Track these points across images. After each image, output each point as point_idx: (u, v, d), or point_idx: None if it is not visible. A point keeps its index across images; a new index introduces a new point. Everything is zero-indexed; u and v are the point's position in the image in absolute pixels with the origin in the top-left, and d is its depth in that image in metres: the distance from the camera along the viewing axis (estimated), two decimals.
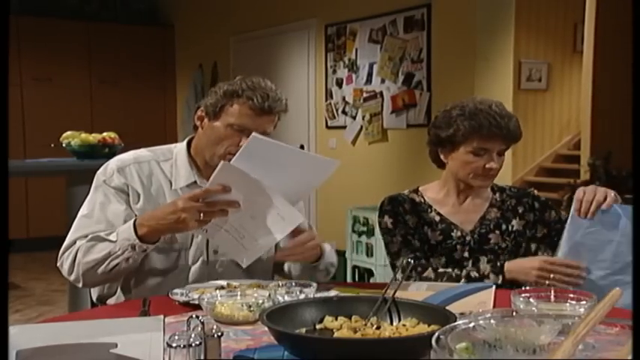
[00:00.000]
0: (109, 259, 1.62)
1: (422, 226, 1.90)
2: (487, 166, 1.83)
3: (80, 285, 1.71)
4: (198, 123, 1.78)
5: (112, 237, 1.63)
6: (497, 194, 1.98)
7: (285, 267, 1.87)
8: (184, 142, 1.84)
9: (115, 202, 1.73)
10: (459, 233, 1.89)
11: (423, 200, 1.95)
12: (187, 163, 1.79)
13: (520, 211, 1.95)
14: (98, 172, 1.79)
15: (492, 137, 1.81)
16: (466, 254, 1.88)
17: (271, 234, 1.60)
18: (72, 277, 1.69)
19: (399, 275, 1.34)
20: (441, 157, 1.90)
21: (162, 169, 1.79)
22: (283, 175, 1.57)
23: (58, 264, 1.72)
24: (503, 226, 1.92)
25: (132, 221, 1.62)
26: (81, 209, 1.76)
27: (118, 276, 1.70)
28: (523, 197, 1.98)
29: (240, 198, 1.54)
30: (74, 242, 1.69)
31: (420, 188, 1.99)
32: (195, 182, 1.78)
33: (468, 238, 1.89)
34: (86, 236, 1.67)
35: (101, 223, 1.69)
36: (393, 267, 1.92)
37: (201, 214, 1.53)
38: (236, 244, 1.63)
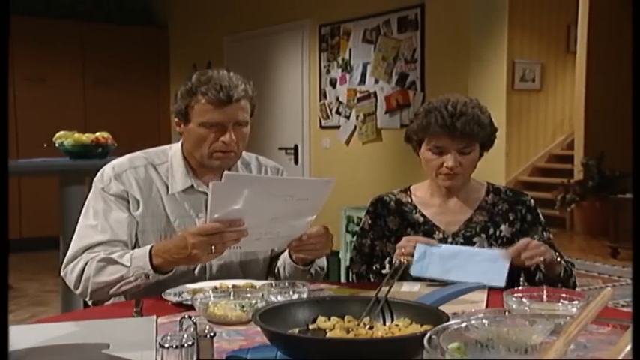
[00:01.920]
0: (120, 283, 1.62)
1: (405, 227, 1.89)
2: (444, 164, 1.80)
3: (87, 299, 1.72)
4: (178, 129, 1.78)
5: (125, 261, 1.61)
6: (491, 196, 1.92)
7: (275, 268, 1.87)
8: (179, 145, 1.82)
9: (117, 210, 1.72)
10: (440, 235, 1.86)
11: (410, 200, 1.93)
12: (183, 167, 1.78)
13: (511, 217, 1.89)
14: (95, 179, 1.78)
15: (440, 136, 1.78)
16: None
17: (302, 217, 1.61)
18: (78, 291, 1.68)
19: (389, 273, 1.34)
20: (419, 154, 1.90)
21: (159, 173, 1.78)
22: (284, 207, 1.56)
23: (62, 273, 1.71)
24: (491, 231, 1.86)
25: (147, 249, 1.61)
26: (82, 217, 1.74)
27: (125, 295, 1.69)
28: (517, 204, 1.90)
29: (248, 211, 1.53)
30: (80, 253, 1.67)
31: (411, 187, 1.97)
32: (192, 186, 1.77)
33: (450, 240, 1.84)
34: (90, 247, 1.66)
35: (106, 232, 1.68)
36: (348, 270, 1.93)
37: (213, 247, 1.52)
38: (275, 240, 1.65)
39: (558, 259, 1.77)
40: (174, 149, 1.82)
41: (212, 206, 1.51)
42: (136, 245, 1.72)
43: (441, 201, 1.91)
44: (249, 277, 1.77)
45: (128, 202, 1.73)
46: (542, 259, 1.69)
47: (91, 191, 1.77)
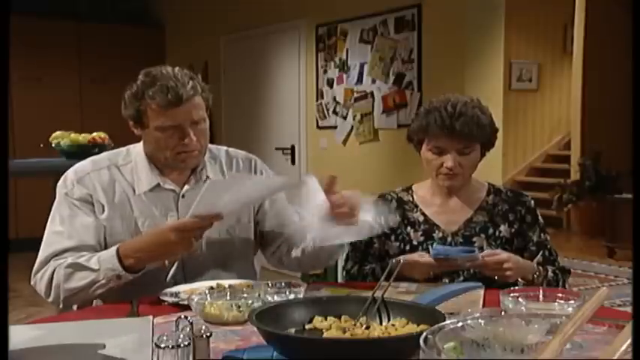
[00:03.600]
0: (92, 287, 1.59)
1: (405, 226, 1.89)
2: (444, 165, 1.80)
3: (60, 307, 1.69)
4: (136, 132, 1.74)
5: (93, 264, 1.58)
6: (491, 197, 1.92)
7: (297, 252, 1.79)
8: (141, 144, 1.77)
9: (82, 215, 1.68)
10: (440, 234, 1.86)
11: (411, 199, 1.93)
12: (147, 166, 1.74)
13: (510, 218, 1.88)
14: (58, 184, 1.73)
15: (439, 136, 1.79)
16: None
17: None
18: (50, 299, 1.64)
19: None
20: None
21: (123, 174, 1.73)
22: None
23: (32, 283, 1.67)
24: (490, 231, 1.86)
25: (114, 250, 1.58)
26: (49, 224, 1.70)
27: (100, 298, 1.67)
28: (517, 205, 1.90)
29: (228, 205, 1.54)
30: (48, 261, 1.64)
31: (413, 186, 1.98)
32: (158, 185, 1.73)
33: (449, 239, 1.85)
34: (57, 254, 1.64)
35: (72, 238, 1.65)
36: (342, 269, 1.94)
37: (193, 239, 1.52)
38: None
39: (535, 275, 1.78)
40: (138, 148, 1.77)
41: (200, 201, 1.53)
42: (105, 249, 1.67)
43: (442, 200, 1.91)
44: (234, 274, 1.75)
45: (93, 205, 1.69)
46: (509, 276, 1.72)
47: (56, 197, 1.73)
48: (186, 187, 1.75)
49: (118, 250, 1.58)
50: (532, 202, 1.94)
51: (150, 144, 1.71)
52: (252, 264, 1.89)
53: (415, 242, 1.87)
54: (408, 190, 1.97)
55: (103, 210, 1.70)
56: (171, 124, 1.64)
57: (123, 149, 1.80)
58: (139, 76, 1.67)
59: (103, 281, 1.58)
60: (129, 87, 1.68)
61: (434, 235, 1.86)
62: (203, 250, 1.73)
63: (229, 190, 1.54)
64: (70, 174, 1.73)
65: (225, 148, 1.89)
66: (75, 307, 1.78)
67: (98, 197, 1.70)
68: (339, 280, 4.42)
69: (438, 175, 1.83)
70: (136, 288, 1.62)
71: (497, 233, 1.87)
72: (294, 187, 1.62)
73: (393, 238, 1.90)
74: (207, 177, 1.77)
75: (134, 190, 1.72)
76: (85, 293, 1.61)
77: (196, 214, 1.52)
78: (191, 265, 1.74)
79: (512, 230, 1.88)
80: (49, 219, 1.71)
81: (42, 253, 1.67)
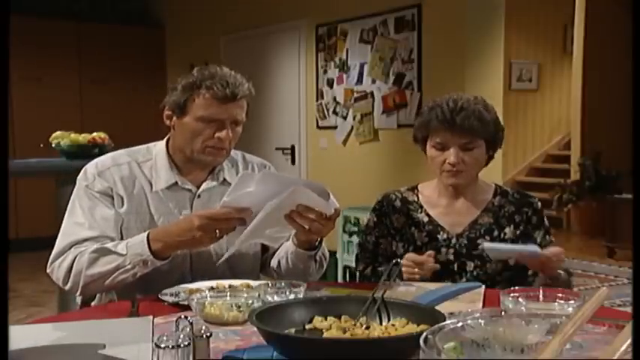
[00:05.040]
0: (116, 272, 1.60)
1: (409, 226, 1.89)
2: (447, 161, 1.80)
3: (77, 294, 1.69)
4: (167, 122, 1.76)
5: (121, 249, 1.60)
6: (498, 198, 1.91)
7: (274, 262, 1.83)
8: (163, 142, 1.81)
9: (103, 207, 1.70)
10: (445, 235, 1.86)
11: (416, 199, 1.93)
12: (167, 164, 1.76)
13: (517, 220, 1.88)
14: (78, 177, 1.76)
15: (440, 131, 1.79)
16: (451, 257, 1.84)
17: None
18: (67, 286, 1.65)
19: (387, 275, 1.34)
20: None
21: (143, 170, 1.76)
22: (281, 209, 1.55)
23: (49, 270, 1.69)
24: (495, 233, 1.86)
25: (144, 236, 1.60)
26: (68, 215, 1.72)
27: (118, 288, 1.67)
28: (524, 206, 1.90)
29: (255, 204, 1.52)
30: (67, 249, 1.65)
31: (419, 186, 1.97)
32: (176, 183, 1.76)
33: (454, 241, 1.85)
34: (78, 243, 1.65)
35: (93, 229, 1.67)
36: (345, 270, 1.93)
37: (218, 231, 1.53)
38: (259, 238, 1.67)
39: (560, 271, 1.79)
40: (159, 146, 1.80)
41: (231, 191, 1.52)
42: None
43: (448, 201, 1.90)
44: (238, 274, 1.75)
45: (113, 198, 1.72)
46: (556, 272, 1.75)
47: (75, 190, 1.75)
48: (202, 187, 1.78)
49: (148, 236, 1.60)
50: (539, 204, 1.93)
51: (181, 135, 1.73)
52: (258, 264, 1.90)
53: (419, 243, 1.87)
54: (414, 189, 1.96)
55: (123, 203, 1.72)
56: (216, 117, 1.68)
57: (143, 147, 1.82)
58: (193, 71, 1.72)
59: (129, 266, 1.58)
60: (183, 77, 1.72)
61: (438, 236, 1.86)
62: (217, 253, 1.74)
63: (261, 186, 1.51)
64: (90, 167, 1.76)
65: (241, 152, 1.92)
66: (79, 301, 1.78)
67: (118, 190, 1.72)
68: (340, 280, 4.42)
69: (442, 172, 1.83)
70: (138, 287, 1.63)
71: (502, 235, 1.86)
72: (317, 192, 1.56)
73: (398, 238, 1.90)
74: (224, 179, 1.80)
75: (152, 187, 1.75)
76: (105, 280, 1.61)
77: (224, 205, 1.53)
78: (196, 265, 1.75)
79: (518, 232, 1.87)
80: (68, 210, 1.73)
81: (60, 243, 1.68)
